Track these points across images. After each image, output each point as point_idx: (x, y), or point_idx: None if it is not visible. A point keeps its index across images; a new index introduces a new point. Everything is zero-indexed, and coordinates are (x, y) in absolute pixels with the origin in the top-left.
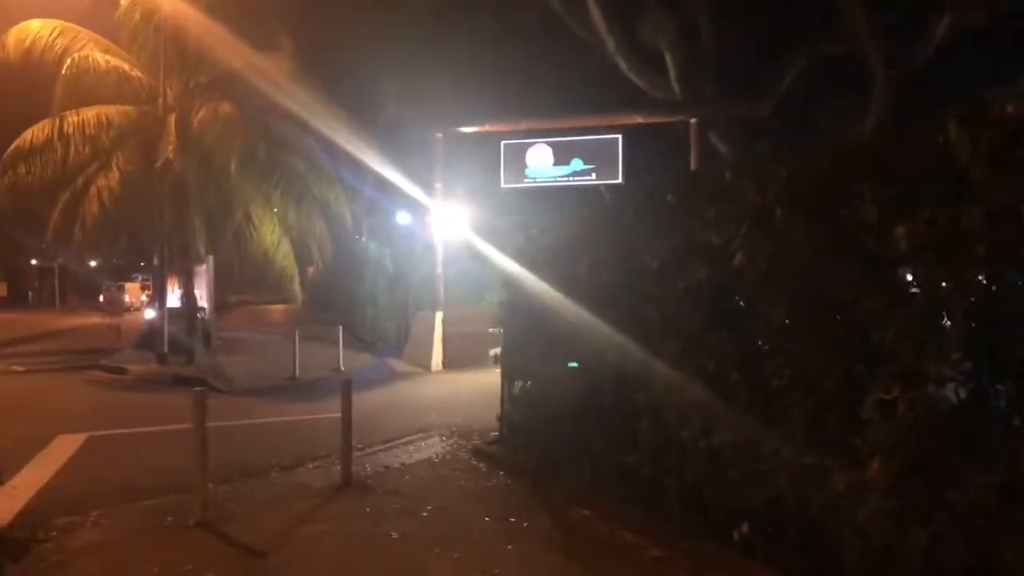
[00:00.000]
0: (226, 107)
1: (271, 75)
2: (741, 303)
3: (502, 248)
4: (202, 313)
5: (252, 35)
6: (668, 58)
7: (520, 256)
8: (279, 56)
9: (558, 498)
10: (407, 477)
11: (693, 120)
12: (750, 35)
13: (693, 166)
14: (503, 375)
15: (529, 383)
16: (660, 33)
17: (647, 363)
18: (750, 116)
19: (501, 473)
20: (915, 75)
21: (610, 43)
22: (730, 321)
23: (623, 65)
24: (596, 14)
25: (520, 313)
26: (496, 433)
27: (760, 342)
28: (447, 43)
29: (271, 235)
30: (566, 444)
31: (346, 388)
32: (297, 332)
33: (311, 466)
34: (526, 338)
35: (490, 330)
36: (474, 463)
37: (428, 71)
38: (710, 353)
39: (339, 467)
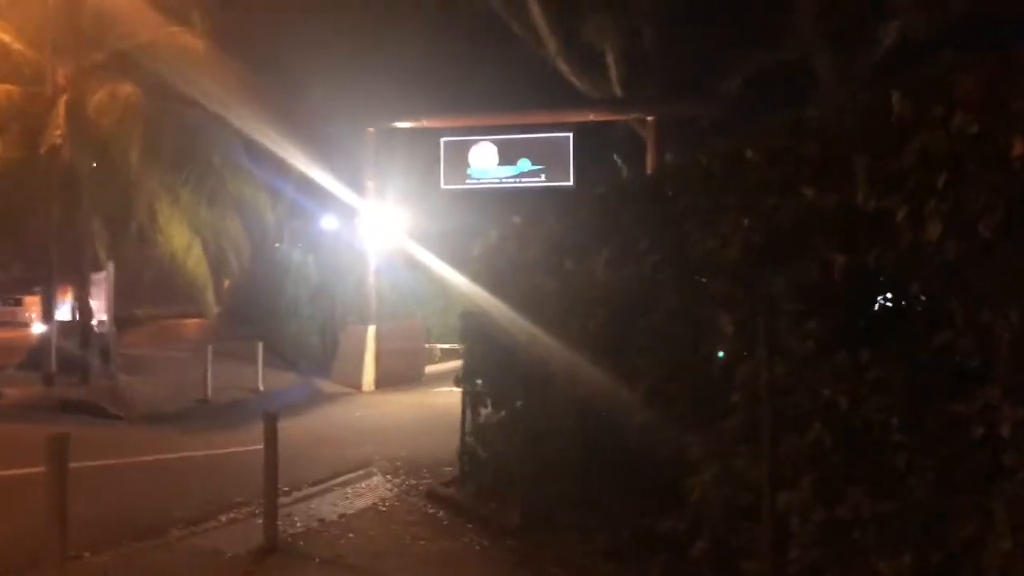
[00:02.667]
0: (127, 88)
1: (182, 55)
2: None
3: (442, 254)
4: (100, 327)
5: (161, 8)
6: (611, 60)
7: (488, 260)
8: (192, 33)
9: (559, 573)
10: (350, 535)
11: (650, 118)
12: (694, 38)
13: (651, 165)
14: (466, 400)
15: (504, 413)
16: (603, 35)
17: (705, 391)
18: (695, 117)
19: (470, 527)
20: (863, 82)
21: (552, 45)
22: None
23: (565, 67)
24: (537, 15)
25: (489, 326)
26: (450, 468)
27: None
28: (382, 30)
29: (180, 237)
30: (566, 495)
31: (270, 424)
32: (210, 348)
33: (224, 519)
34: (500, 357)
35: (426, 345)
36: (432, 512)
37: (360, 59)
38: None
39: (261, 522)
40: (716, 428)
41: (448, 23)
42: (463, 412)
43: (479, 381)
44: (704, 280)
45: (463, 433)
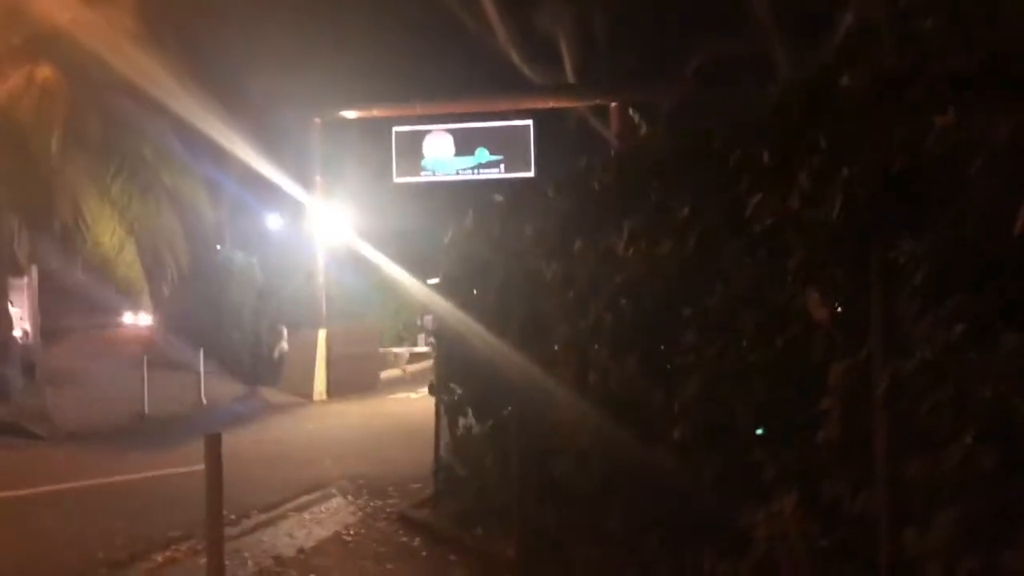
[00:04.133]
0: (45, 71)
1: (110, 38)
2: None
3: (395, 253)
4: (24, 339)
5: None
6: (564, 49)
7: (463, 247)
8: (120, 13)
9: None
10: None
11: (613, 103)
12: (649, 27)
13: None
14: (440, 410)
15: (492, 423)
16: (556, 23)
17: (782, 394)
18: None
19: (453, 558)
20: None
21: (502, 33)
22: None
23: (515, 56)
24: (487, 2)
25: (467, 324)
26: (419, 486)
27: None
28: (328, 15)
29: (110, 237)
30: (577, 523)
31: (212, 446)
32: (146, 359)
33: (159, 559)
34: (482, 360)
35: (380, 350)
36: (405, 540)
37: (306, 45)
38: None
39: (204, 561)
40: (798, 442)
41: (397, 10)
42: (436, 423)
43: (456, 388)
44: (777, 253)
45: (437, 447)
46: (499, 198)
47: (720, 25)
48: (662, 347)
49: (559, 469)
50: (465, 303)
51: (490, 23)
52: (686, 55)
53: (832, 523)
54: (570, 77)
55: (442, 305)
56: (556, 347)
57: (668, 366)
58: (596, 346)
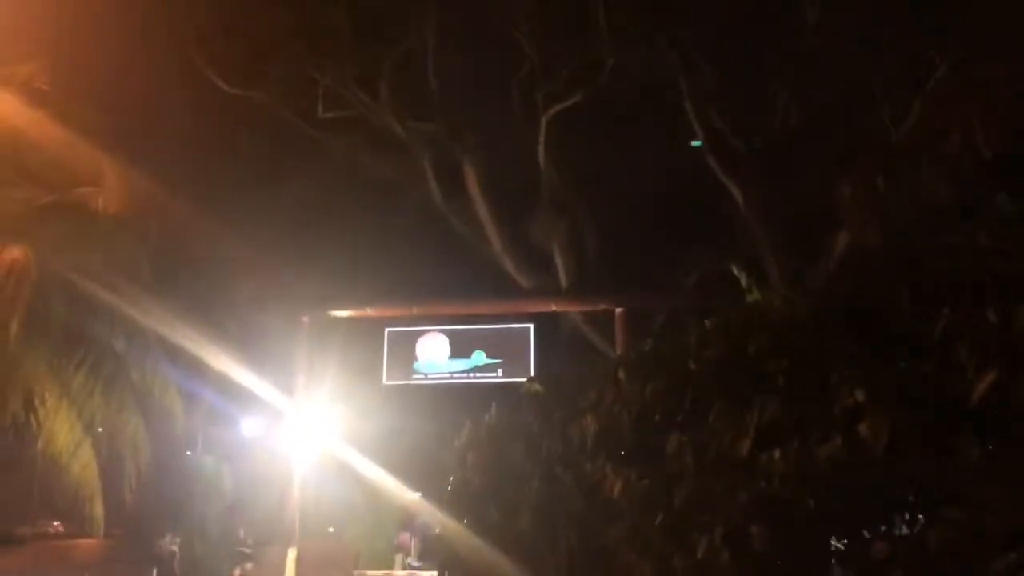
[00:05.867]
0: (15, 252)
1: (88, 223)
2: None
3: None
4: None
5: (72, 167)
6: (558, 261)
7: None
8: (102, 198)
9: None
10: None
11: (619, 309)
12: (644, 242)
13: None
14: None
15: None
16: (551, 235)
17: None
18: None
19: None
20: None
21: (497, 243)
22: None
23: (510, 265)
24: (484, 213)
25: (481, 554)
26: None
27: None
28: (319, 214)
29: (66, 434)
30: None
31: None
32: None
33: None
34: None
35: (355, 573)
36: None
37: (294, 239)
38: None
39: None
40: None
41: (390, 215)
42: None
43: None
44: None
45: None
46: (536, 386)
47: (712, 242)
48: None
49: None
50: (484, 527)
51: (484, 231)
52: (685, 266)
53: None
54: (564, 284)
55: (450, 528)
56: None
57: None
58: None
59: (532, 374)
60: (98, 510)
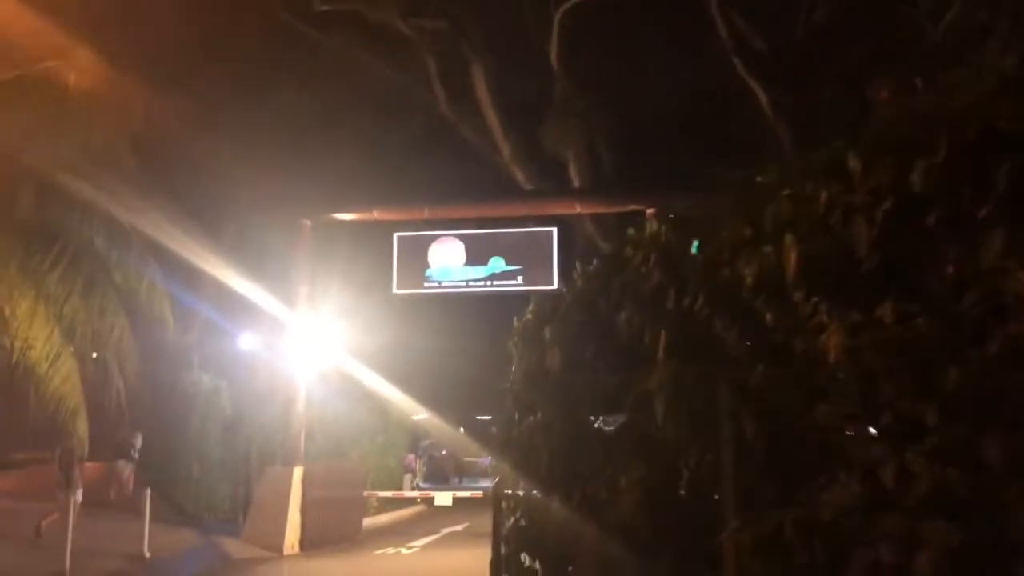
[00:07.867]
0: None
1: (61, 101)
2: None
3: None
4: None
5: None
6: (572, 170)
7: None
8: (76, 73)
9: None
10: None
11: (650, 210)
12: (663, 148)
13: None
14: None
15: None
16: (565, 142)
17: None
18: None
19: None
20: None
21: (506, 151)
22: None
23: (519, 175)
24: (493, 120)
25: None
26: None
27: None
28: (318, 118)
29: (44, 342)
30: None
31: None
32: (73, 499)
33: None
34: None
35: (364, 493)
36: None
37: (294, 140)
38: None
39: None
40: None
41: (399, 118)
42: None
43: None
44: None
45: None
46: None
47: (742, 146)
48: None
49: None
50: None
51: (495, 143)
52: (712, 167)
53: None
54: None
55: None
56: None
57: None
58: None
59: (555, 282)
60: (82, 426)
